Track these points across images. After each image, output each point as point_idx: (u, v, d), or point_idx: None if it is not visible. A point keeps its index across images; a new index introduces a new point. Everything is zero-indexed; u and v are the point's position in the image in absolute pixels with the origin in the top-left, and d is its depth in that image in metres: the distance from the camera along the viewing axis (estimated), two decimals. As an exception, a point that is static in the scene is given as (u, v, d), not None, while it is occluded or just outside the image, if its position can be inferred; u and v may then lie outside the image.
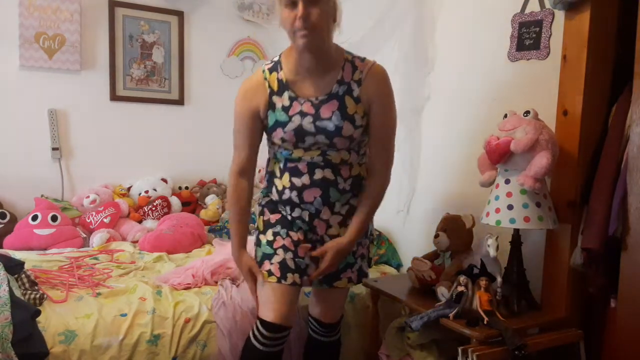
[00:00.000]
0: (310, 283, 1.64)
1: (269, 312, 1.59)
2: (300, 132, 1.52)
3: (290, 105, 1.54)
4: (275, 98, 1.56)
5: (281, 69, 1.57)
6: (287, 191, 1.58)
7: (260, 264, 1.62)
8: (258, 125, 1.61)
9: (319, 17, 1.41)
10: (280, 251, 1.59)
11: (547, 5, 1.86)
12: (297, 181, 1.56)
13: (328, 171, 1.55)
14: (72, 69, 2.96)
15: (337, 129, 1.51)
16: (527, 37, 1.93)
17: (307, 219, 1.60)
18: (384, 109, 1.58)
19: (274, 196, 1.63)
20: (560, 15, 1.83)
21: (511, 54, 2.00)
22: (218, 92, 3.41)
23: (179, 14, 3.26)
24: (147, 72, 3.20)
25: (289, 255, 1.59)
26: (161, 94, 3.27)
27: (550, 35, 1.87)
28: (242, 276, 2.12)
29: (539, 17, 1.90)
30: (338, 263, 1.63)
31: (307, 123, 1.52)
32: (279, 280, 1.57)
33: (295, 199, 1.57)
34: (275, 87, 1.56)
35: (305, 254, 1.61)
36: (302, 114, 1.53)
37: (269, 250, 1.61)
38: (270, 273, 1.58)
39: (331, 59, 1.54)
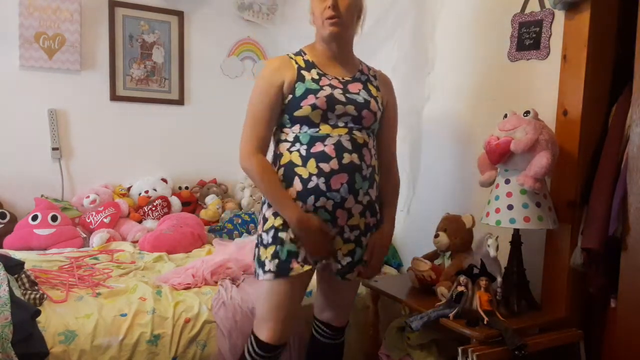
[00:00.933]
0: (335, 271, 1.61)
1: (265, 330, 1.61)
2: (331, 100, 1.54)
3: (320, 79, 1.59)
4: (304, 72, 1.59)
5: (305, 54, 1.65)
6: (314, 178, 1.52)
7: (287, 262, 1.54)
8: (280, 101, 1.57)
9: (347, 8, 1.56)
10: (302, 249, 1.55)
11: (547, 5, 1.86)
12: (325, 166, 1.52)
13: (354, 155, 1.54)
14: (72, 69, 2.96)
15: (366, 102, 1.59)
16: (527, 37, 1.93)
17: (330, 208, 1.54)
18: (396, 111, 1.75)
19: (297, 188, 1.53)
20: (560, 15, 1.83)
21: (511, 54, 2.00)
22: (218, 92, 3.42)
23: (179, 14, 3.26)
24: (147, 72, 3.20)
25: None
26: (161, 94, 3.27)
27: (550, 35, 1.87)
28: (242, 276, 2.13)
29: (539, 17, 1.90)
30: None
31: (338, 94, 1.56)
32: (312, 265, 1.56)
33: (322, 186, 1.52)
34: (302, 64, 1.61)
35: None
36: (332, 86, 1.58)
37: (293, 247, 1.55)
38: (299, 266, 1.55)
39: (351, 53, 1.70)
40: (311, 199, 1.53)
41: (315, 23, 1.61)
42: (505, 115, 1.79)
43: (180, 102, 3.32)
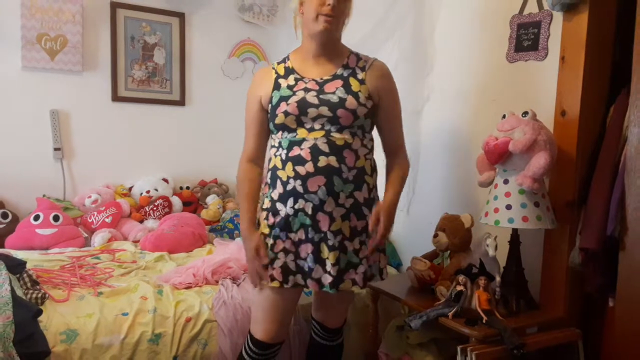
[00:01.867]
0: (318, 287, 1.59)
1: (259, 330, 1.64)
2: (303, 104, 1.55)
3: (295, 84, 1.61)
4: (281, 80, 1.62)
5: (288, 60, 1.68)
6: (291, 180, 1.55)
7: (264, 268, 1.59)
8: (263, 113, 1.65)
9: (344, 9, 1.59)
10: (281, 255, 1.57)
11: (546, 6, 1.87)
12: (301, 169, 1.54)
13: (332, 158, 1.54)
14: (74, 70, 2.97)
15: (341, 100, 1.56)
16: (526, 38, 1.94)
17: (310, 212, 1.55)
18: (395, 99, 1.69)
19: (279, 190, 1.58)
20: (558, 16, 1.84)
21: (510, 55, 2.01)
22: (219, 93, 3.43)
23: (180, 16, 3.28)
24: (148, 73, 3.22)
25: (290, 257, 1.58)
26: (162, 95, 3.28)
27: (549, 36, 1.87)
28: (242, 275, 2.14)
29: (537, 19, 1.90)
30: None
31: (311, 96, 1.56)
32: (281, 285, 1.57)
33: (299, 189, 1.54)
34: (281, 72, 1.64)
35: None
36: (306, 90, 1.58)
37: (271, 254, 1.58)
38: (272, 278, 1.57)
39: (337, 49, 1.66)
40: (290, 200, 1.56)
41: (306, 16, 1.58)
42: (504, 116, 1.80)
43: (181, 102, 3.34)
